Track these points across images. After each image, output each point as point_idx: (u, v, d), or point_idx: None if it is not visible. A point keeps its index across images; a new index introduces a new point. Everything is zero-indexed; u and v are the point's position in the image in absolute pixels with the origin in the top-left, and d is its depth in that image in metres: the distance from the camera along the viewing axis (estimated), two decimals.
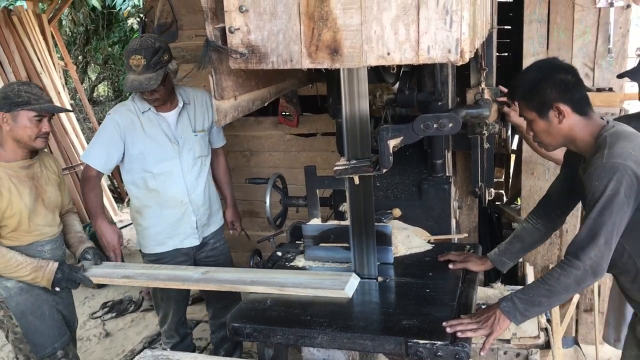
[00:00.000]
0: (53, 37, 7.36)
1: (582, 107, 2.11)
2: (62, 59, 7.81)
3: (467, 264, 2.50)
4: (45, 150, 2.98)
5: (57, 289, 2.78)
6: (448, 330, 1.96)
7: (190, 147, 3.20)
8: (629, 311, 2.87)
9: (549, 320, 2.94)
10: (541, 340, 2.66)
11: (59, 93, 6.84)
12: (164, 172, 3.15)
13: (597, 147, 2.04)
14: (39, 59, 6.66)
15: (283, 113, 4.62)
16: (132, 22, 10.85)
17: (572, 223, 3.72)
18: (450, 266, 2.50)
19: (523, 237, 2.50)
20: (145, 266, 2.87)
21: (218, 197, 3.50)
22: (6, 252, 2.69)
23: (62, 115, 6.76)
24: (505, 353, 2.69)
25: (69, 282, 2.77)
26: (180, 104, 3.18)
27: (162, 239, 3.26)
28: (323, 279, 2.36)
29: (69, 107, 6.98)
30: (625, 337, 2.43)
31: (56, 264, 2.76)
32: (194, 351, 3.65)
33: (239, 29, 1.74)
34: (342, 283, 2.30)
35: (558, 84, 2.08)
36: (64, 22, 11.15)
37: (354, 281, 2.34)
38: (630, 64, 3.84)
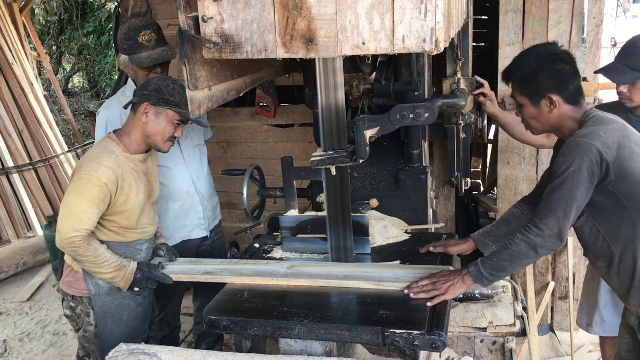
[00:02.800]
0: (25, 27, 7.21)
1: (575, 98, 2.14)
2: (35, 49, 7.66)
3: (448, 247, 2.54)
4: None
5: (136, 289, 2.61)
6: (412, 296, 2.10)
7: (186, 135, 3.15)
8: (602, 297, 2.92)
9: (525, 309, 2.98)
10: (517, 328, 2.70)
11: (32, 84, 6.71)
12: (166, 163, 3.07)
13: None
14: (10, 50, 6.51)
15: (260, 104, 4.60)
16: (111, 7, 10.62)
17: None
18: (431, 249, 2.53)
19: (510, 221, 2.53)
20: (225, 261, 2.65)
21: (215, 191, 3.47)
22: (99, 246, 2.47)
23: (36, 106, 6.64)
24: (482, 341, 2.73)
25: (149, 281, 2.60)
26: None
27: (170, 233, 3.16)
28: (419, 273, 2.26)
29: (43, 99, 6.86)
30: (619, 326, 2.47)
31: (136, 264, 2.58)
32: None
33: (212, 18, 1.72)
34: None
35: (555, 74, 2.11)
36: (36, 12, 10.91)
37: None
38: (604, 54, 3.89)
